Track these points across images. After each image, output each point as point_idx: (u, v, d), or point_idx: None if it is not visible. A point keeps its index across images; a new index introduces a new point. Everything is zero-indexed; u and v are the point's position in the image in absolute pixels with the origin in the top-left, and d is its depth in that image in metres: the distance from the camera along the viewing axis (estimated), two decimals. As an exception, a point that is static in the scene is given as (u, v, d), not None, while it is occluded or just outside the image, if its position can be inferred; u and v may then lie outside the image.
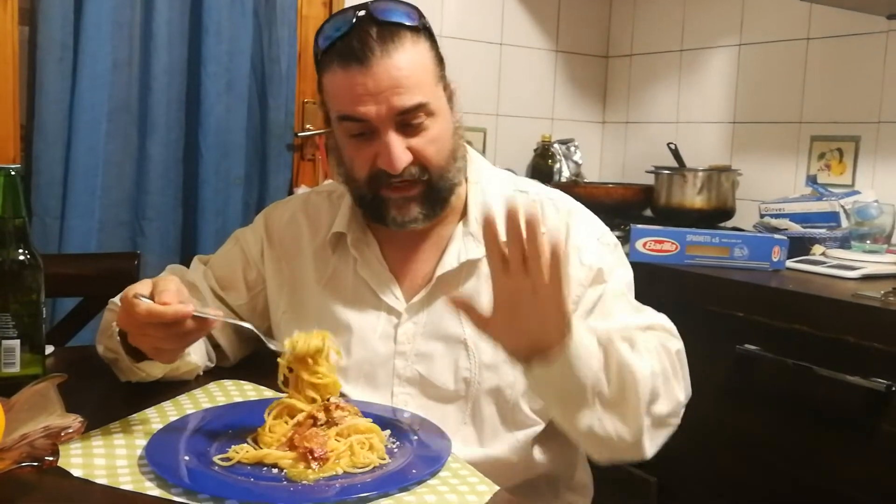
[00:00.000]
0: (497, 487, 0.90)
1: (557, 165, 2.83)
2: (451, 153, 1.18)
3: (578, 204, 1.28)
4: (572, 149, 2.88)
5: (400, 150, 1.12)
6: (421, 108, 1.12)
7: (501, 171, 1.32)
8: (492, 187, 1.25)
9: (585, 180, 2.87)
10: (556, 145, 2.86)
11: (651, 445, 1.06)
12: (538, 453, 1.20)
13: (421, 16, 1.15)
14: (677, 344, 1.15)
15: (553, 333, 0.95)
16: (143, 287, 1.00)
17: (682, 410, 1.12)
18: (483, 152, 2.80)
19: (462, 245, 1.21)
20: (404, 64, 1.10)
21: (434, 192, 1.17)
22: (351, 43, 1.10)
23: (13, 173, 1.11)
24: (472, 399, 1.17)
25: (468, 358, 1.17)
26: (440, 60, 1.18)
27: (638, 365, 1.03)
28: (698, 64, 2.73)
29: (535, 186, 1.30)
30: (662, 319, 1.18)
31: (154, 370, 1.14)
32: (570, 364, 0.96)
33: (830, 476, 1.61)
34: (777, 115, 2.49)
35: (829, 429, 1.62)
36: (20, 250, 1.11)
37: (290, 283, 1.28)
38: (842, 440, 1.60)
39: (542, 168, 2.85)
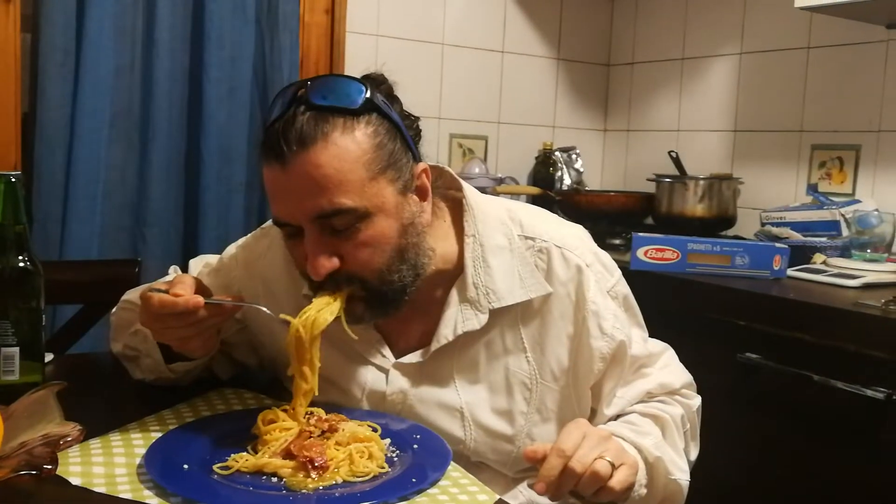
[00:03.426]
0: (497, 496, 0.90)
1: (559, 173, 2.83)
2: (395, 255, 1.01)
3: (588, 251, 1.14)
4: (574, 157, 2.88)
5: (321, 258, 0.98)
6: (343, 212, 0.97)
7: (501, 207, 1.15)
8: (490, 237, 1.10)
9: (587, 188, 2.86)
10: (557, 153, 2.86)
11: None
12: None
13: (372, 91, 1.00)
14: (697, 401, 1.18)
15: None
16: (160, 284, 1.03)
17: (690, 469, 1.15)
18: (485, 160, 2.80)
19: (459, 314, 1.09)
20: (323, 161, 0.95)
21: (376, 296, 1.03)
22: (275, 135, 0.97)
23: (14, 180, 1.11)
24: (464, 468, 1.07)
25: (463, 429, 1.10)
26: (391, 142, 1.01)
27: (682, 473, 1.09)
28: (699, 72, 2.73)
29: (542, 228, 1.13)
30: (682, 373, 1.19)
31: (181, 370, 1.16)
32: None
33: (830, 484, 1.60)
34: (778, 123, 2.49)
35: (828, 437, 1.61)
36: (20, 257, 1.11)
37: (267, 330, 1.20)
38: (842, 449, 1.59)
39: (543, 176, 2.85)
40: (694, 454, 1.17)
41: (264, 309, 1.07)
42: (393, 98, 1.06)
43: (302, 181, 0.96)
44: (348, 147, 0.97)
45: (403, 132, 1.03)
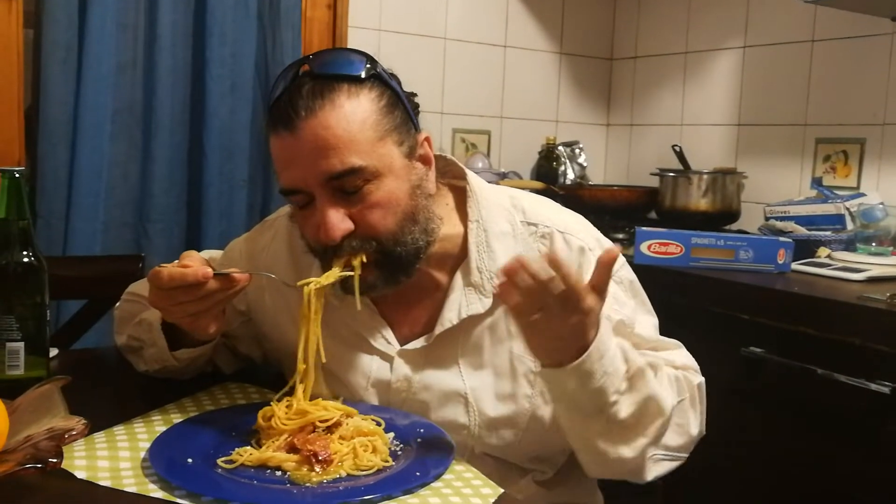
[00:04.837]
0: (501, 490, 0.90)
1: (562, 168, 2.83)
2: (406, 216, 1.03)
3: (590, 236, 1.16)
4: (577, 151, 2.88)
5: (335, 219, 1.00)
6: (355, 172, 0.99)
7: (504, 195, 1.17)
8: (493, 223, 1.12)
9: (590, 183, 2.86)
10: (560, 148, 2.86)
11: (653, 473, 1.06)
12: (548, 491, 1.15)
13: (372, 63, 1.04)
14: (699, 379, 1.13)
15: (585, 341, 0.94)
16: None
17: (693, 445, 1.11)
18: (488, 155, 2.80)
19: (463, 298, 1.10)
20: (332, 122, 0.98)
21: (391, 258, 1.03)
22: (282, 105, 1.00)
23: (17, 175, 1.11)
24: (469, 458, 1.08)
25: (467, 414, 1.10)
26: (395, 110, 1.04)
27: (664, 398, 1.01)
28: (703, 66, 2.73)
29: (544, 214, 1.16)
30: (688, 359, 1.15)
31: (185, 357, 1.15)
32: (588, 373, 0.94)
33: (834, 478, 1.60)
34: (782, 117, 2.49)
35: (833, 431, 1.61)
36: (24, 252, 1.11)
37: (271, 321, 1.21)
38: (846, 443, 1.59)
39: (546, 171, 2.85)
40: (696, 428, 1.11)
41: (272, 276, 1.09)
42: (391, 74, 1.08)
43: (313, 144, 0.98)
44: (355, 110, 1.00)
45: (404, 102, 1.06)
